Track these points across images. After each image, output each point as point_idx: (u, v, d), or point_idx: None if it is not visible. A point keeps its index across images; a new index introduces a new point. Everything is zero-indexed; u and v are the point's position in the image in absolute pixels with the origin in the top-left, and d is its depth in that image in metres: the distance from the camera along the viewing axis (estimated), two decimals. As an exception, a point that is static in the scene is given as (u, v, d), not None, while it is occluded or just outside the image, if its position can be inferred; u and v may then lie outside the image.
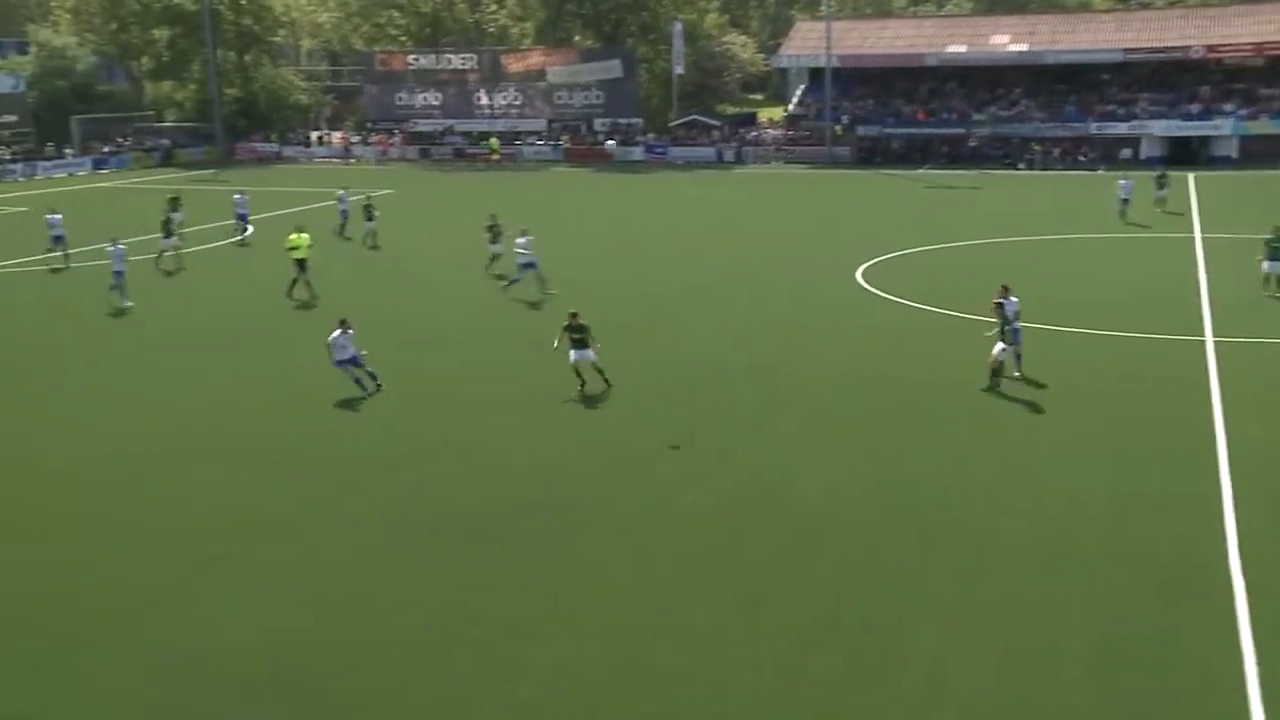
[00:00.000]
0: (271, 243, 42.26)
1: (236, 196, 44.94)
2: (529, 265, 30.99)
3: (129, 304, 30.18)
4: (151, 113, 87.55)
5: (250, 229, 43.59)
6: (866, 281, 32.60)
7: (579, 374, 21.79)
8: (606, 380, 21.92)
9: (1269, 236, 29.62)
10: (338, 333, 21.93)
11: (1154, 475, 17.15)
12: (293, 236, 32.19)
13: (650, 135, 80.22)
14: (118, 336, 28.01)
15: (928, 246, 38.70)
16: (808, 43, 78.85)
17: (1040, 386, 21.63)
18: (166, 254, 36.54)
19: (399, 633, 12.91)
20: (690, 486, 17.20)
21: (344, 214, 44.07)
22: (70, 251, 37.15)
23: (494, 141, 78.41)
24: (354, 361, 21.99)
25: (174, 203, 41.52)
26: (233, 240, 42.80)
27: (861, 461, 18.10)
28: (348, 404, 21.62)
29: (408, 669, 12.12)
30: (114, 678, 12.12)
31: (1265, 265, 29.38)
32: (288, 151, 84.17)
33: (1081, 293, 30.44)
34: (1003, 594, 13.49)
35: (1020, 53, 73.44)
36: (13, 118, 75.52)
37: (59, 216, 37.56)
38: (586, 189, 62.84)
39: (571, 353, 21.68)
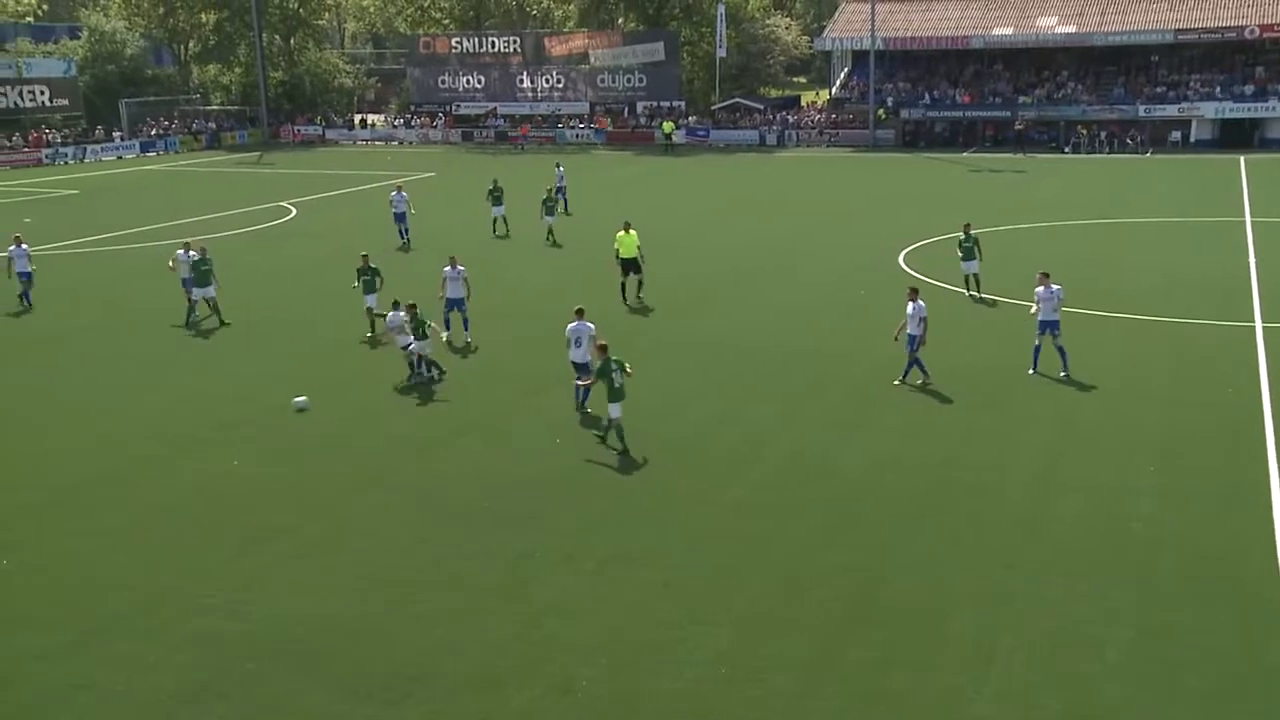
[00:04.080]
0: (312, 227, 42.65)
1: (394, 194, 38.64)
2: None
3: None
4: (198, 96, 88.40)
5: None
6: (909, 266, 32.34)
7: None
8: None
9: None
10: (398, 313, 21.68)
11: (1202, 462, 16.92)
12: (620, 234, 28.36)
13: (692, 118, 79.98)
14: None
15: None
16: (852, 25, 78.24)
17: (1087, 372, 21.40)
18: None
19: (435, 611, 13.02)
20: (733, 470, 17.18)
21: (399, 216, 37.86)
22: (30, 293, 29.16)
23: (668, 125, 76.27)
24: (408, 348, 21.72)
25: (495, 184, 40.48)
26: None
27: (905, 445, 17.98)
28: (392, 385, 21.79)
29: (444, 647, 12.23)
30: (151, 655, 12.31)
31: None
32: (331, 134, 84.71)
33: (1130, 278, 30.05)
34: (1048, 580, 13.37)
35: (1068, 34, 72.47)
36: (64, 101, 76.53)
37: (25, 249, 29.36)
38: (628, 172, 62.71)
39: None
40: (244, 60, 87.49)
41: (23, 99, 73.91)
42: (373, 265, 25.38)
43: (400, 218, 37.54)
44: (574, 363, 19.90)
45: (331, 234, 40.24)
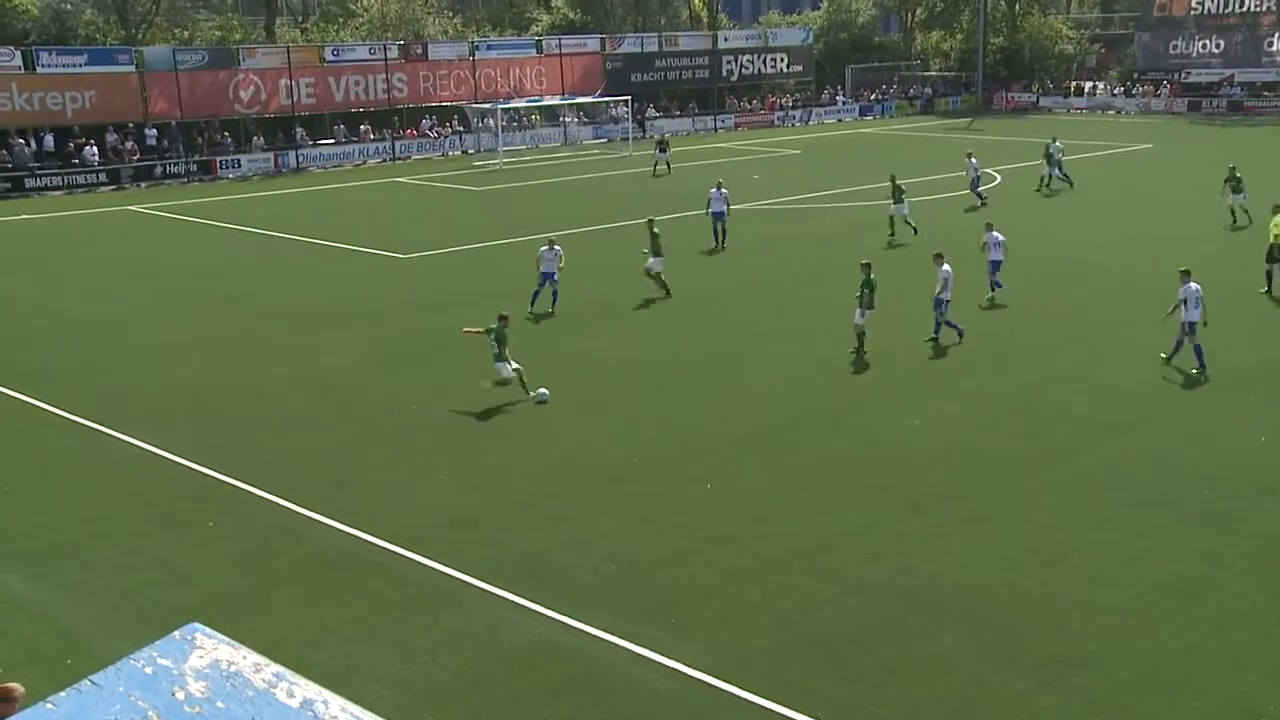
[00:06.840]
0: (1005, 195, 42.11)
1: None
2: None
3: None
4: (918, 62, 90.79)
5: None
6: None
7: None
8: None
9: None
10: (544, 249, 25.35)
11: None
12: (1277, 219, 25.34)
13: None
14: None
15: None
16: None
17: None
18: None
19: (1106, 600, 12.53)
20: None
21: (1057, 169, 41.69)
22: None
23: None
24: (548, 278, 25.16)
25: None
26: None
27: None
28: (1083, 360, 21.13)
29: (1111, 639, 11.76)
30: (823, 592, 13.15)
31: None
32: (1044, 102, 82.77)
33: None
34: None
35: None
36: (798, 68, 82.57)
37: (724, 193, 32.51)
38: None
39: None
40: (965, 27, 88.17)
41: (765, 66, 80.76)
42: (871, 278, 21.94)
43: (1060, 166, 41.11)
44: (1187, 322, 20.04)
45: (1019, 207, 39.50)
